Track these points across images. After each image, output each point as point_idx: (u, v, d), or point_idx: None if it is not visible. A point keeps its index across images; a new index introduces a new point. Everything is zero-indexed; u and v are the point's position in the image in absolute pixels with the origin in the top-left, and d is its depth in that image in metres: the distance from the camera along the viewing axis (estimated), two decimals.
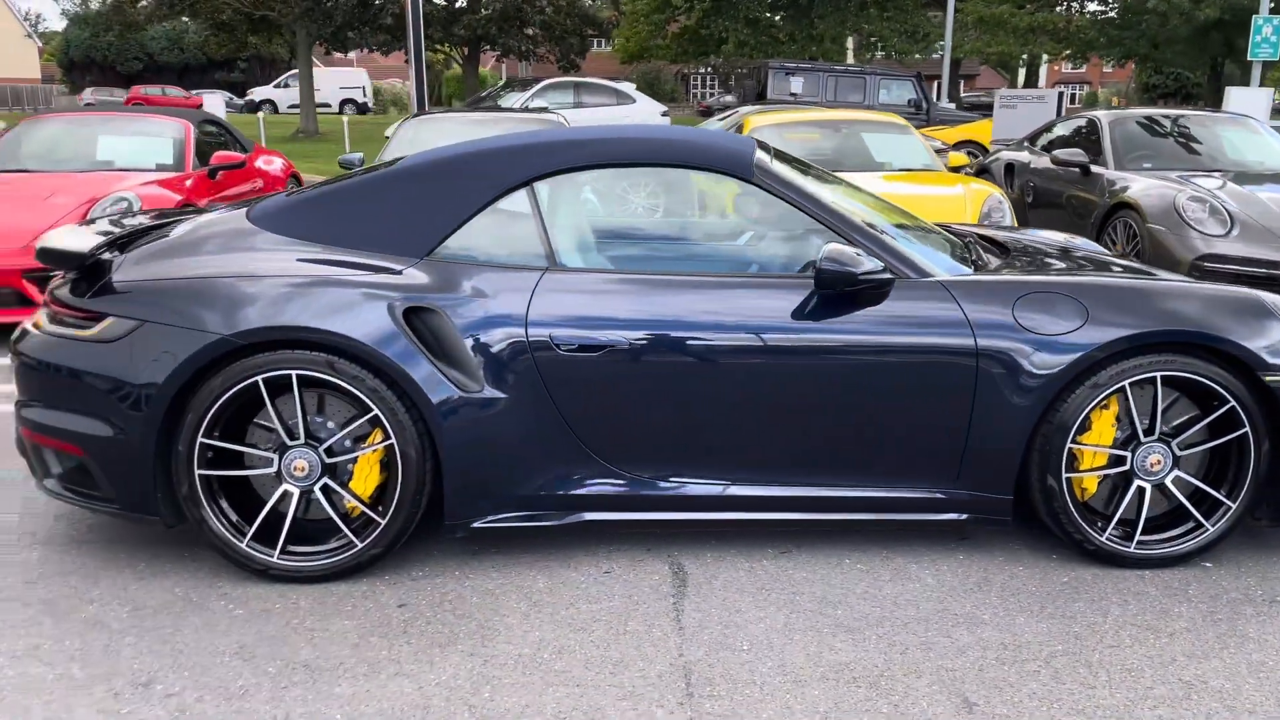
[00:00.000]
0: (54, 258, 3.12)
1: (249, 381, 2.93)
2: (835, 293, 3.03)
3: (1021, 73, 40.53)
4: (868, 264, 2.97)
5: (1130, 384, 3.03)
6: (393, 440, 2.97)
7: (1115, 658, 2.67)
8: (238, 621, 2.85)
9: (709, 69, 58.90)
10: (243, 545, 3.02)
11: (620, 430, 3.09)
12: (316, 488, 3.04)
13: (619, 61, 36.51)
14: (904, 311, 3.05)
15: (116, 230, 3.42)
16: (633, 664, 2.65)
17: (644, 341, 3.04)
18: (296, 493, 3.03)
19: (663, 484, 3.13)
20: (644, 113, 17.73)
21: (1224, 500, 3.12)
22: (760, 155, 3.27)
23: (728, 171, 3.21)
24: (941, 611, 2.91)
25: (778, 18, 31.74)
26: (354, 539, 3.04)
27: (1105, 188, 7.37)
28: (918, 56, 32.11)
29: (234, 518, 3.04)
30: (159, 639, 2.75)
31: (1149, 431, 3.10)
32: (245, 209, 3.44)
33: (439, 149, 3.44)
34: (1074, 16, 31.49)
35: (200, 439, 2.95)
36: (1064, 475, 3.07)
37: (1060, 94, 11.65)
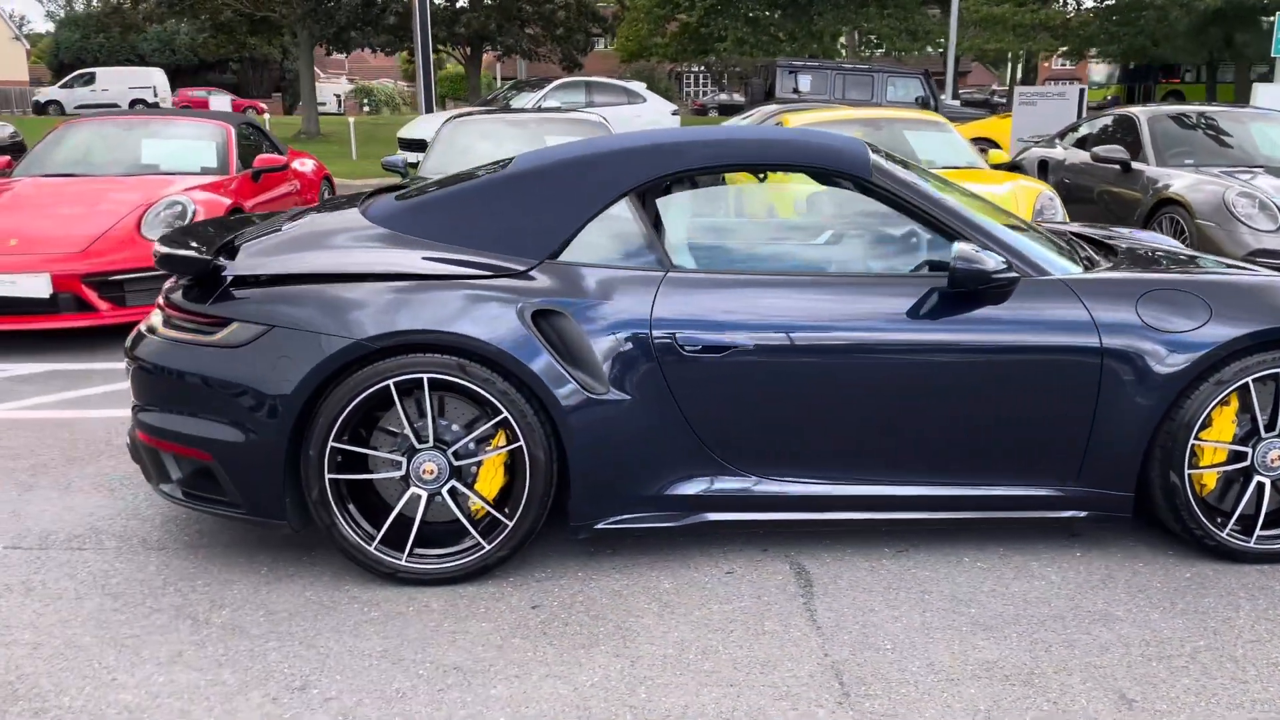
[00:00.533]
0: (175, 264, 3.12)
1: (380, 385, 2.93)
2: (960, 292, 3.04)
3: (1017, 69, 40.62)
4: (995, 263, 2.98)
5: (1254, 380, 3.06)
6: (521, 443, 2.98)
7: (1259, 652, 2.69)
8: (374, 624, 2.85)
9: (703, 68, 58.90)
10: (371, 549, 3.02)
11: (743, 430, 3.10)
12: (444, 490, 3.04)
13: (618, 60, 36.52)
14: (1028, 310, 3.07)
15: (226, 233, 3.41)
16: (780, 664, 2.66)
17: (767, 342, 3.04)
18: (424, 496, 3.04)
19: (785, 484, 3.14)
20: (655, 111, 17.74)
21: None
22: (875, 156, 3.28)
23: (847, 172, 3.22)
24: (1075, 609, 2.93)
25: (777, 15, 31.79)
26: (482, 541, 3.04)
27: (1148, 184, 7.41)
28: (916, 54, 32.21)
29: (362, 522, 3.04)
30: (301, 643, 2.75)
31: (1270, 427, 3.13)
32: (359, 207, 3.45)
33: (555, 149, 3.44)
34: (1073, 13, 31.59)
35: (331, 443, 2.96)
36: (1186, 471, 3.09)
37: (1082, 91, 11.70)
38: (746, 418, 3.09)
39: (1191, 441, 3.08)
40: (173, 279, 3.33)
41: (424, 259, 3.10)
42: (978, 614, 2.90)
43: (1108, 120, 8.65)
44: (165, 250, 3.10)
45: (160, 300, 3.31)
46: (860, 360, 3.07)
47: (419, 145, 15.76)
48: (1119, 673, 2.60)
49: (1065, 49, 33.94)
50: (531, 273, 3.10)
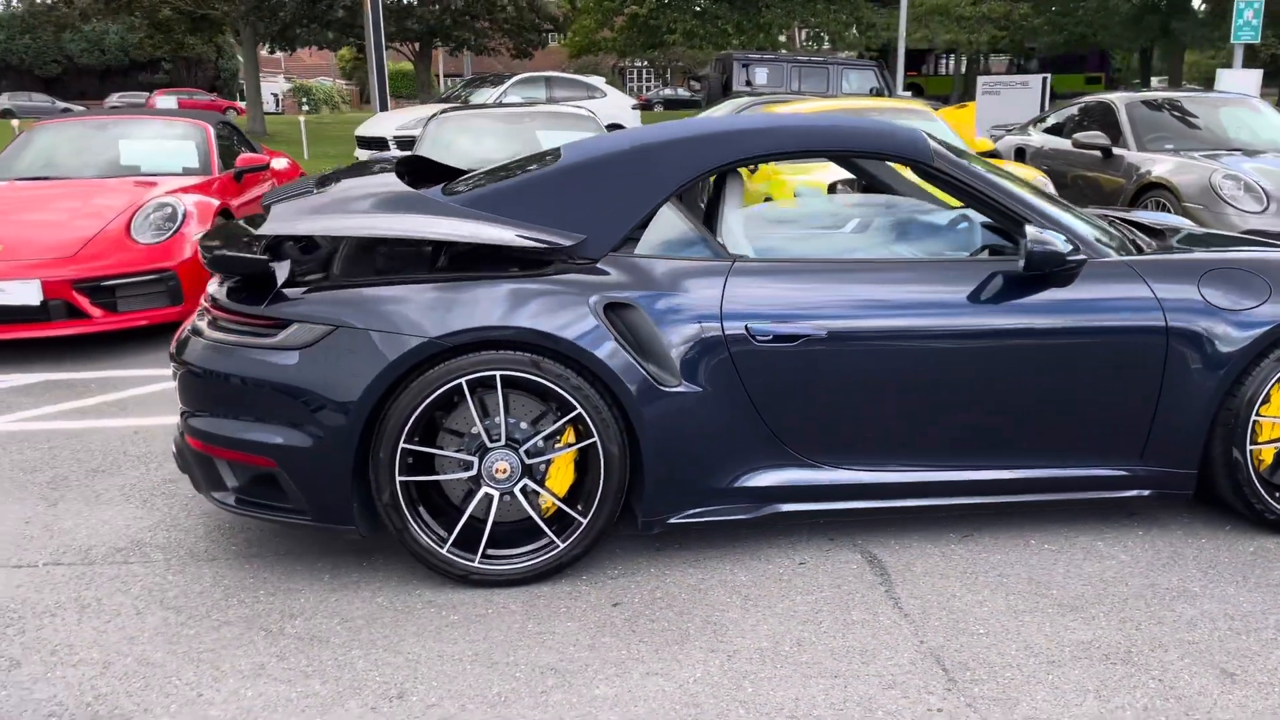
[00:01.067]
0: (231, 265, 3.01)
1: (452, 384, 2.86)
2: (1030, 275, 3.05)
3: (961, 62, 41.25)
4: (1064, 245, 3.00)
5: None
6: (595, 438, 2.93)
7: None
8: (457, 628, 2.78)
9: (646, 63, 58.71)
10: (444, 551, 2.95)
11: (813, 420, 3.08)
12: (516, 489, 2.98)
13: (567, 56, 36.33)
14: (1094, 291, 3.09)
15: (266, 234, 3.30)
16: (878, 653, 2.64)
17: (838, 330, 3.03)
18: (496, 495, 2.97)
19: (855, 472, 3.13)
20: (615, 106, 17.68)
21: None
22: (934, 143, 3.28)
23: (911, 158, 3.21)
24: (1152, 586, 2.95)
25: (725, 8, 31.87)
26: (555, 539, 2.98)
27: (1130, 169, 7.55)
28: (867, 49, 32.50)
29: (433, 524, 2.97)
30: (386, 649, 2.68)
31: None
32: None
33: (607, 139, 3.38)
34: (1016, 4, 32.11)
35: (402, 445, 2.88)
36: (1248, 447, 3.14)
37: (1045, 79, 11.88)
38: (817, 407, 3.07)
39: (1253, 418, 3.12)
40: (215, 279, 3.22)
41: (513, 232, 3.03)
42: (1060, 595, 2.91)
43: (1086, 107, 8.79)
44: (220, 252, 3.00)
45: (205, 302, 3.20)
46: (929, 345, 3.06)
47: (379, 144, 15.53)
48: (1213, 648, 2.63)
49: (1002, 38, 34.56)
50: (597, 265, 3.05)
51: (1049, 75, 13.17)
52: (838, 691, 2.48)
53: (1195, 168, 6.95)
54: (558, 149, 3.51)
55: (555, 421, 2.95)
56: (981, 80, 13.11)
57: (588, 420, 2.91)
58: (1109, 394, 3.12)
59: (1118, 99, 8.38)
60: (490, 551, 2.98)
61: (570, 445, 2.97)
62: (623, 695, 2.47)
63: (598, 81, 18.25)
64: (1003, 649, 2.65)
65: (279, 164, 8.83)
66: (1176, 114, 8.31)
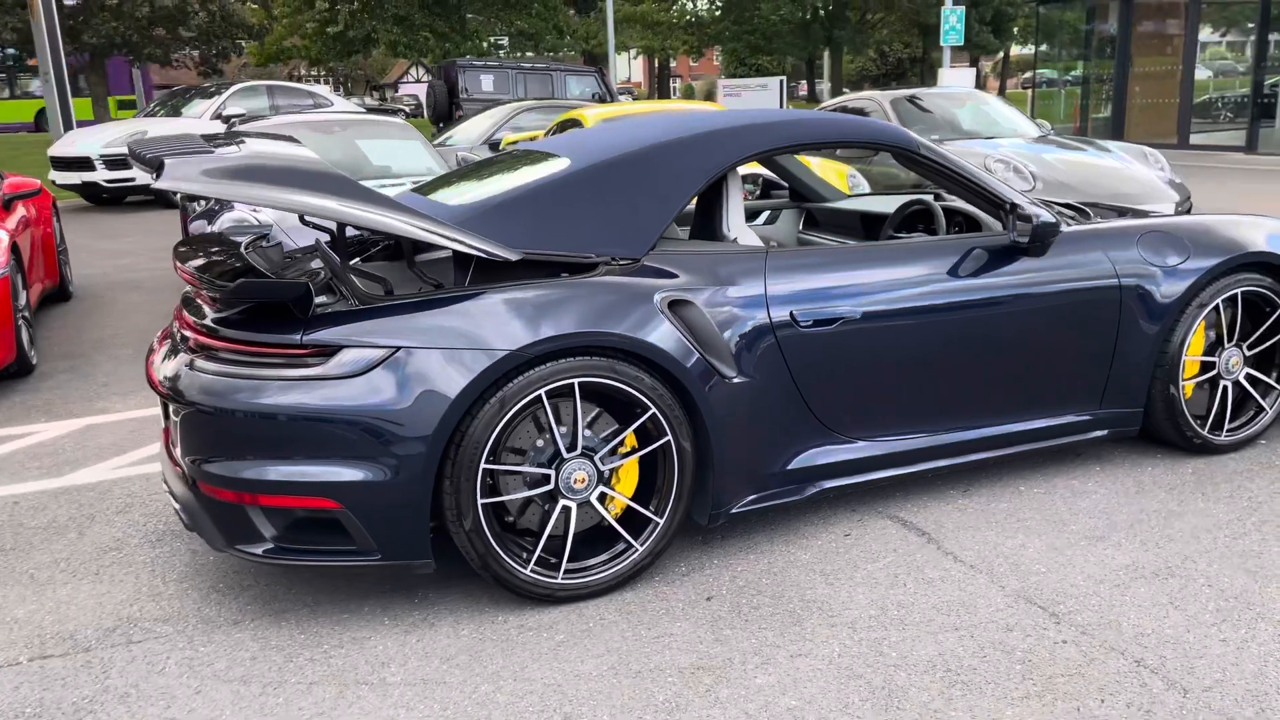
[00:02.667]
0: (264, 293, 2.70)
1: (532, 396, 2.75)
2: (1021, 246, 3.38)
3: (637, 64, 43.20)
4: (1053, 216, 3.36)
5: (1222, 300, 3.68)
6: (669, 436, 2.91)
7: None
8: (569, 646, 2.68)
9: (323, 72, 56.47)
10: (527, 572, 2.82)
11: (847, 397, 3.23)
12: (593, 497, 2.90)
13: (254, 64, 34.25)
14: (1066, 258, 3.47)
15: (280, 257, 3.00)
16: (975, 603, 2.84)
17: (870, 309, 3.20)
18: (575, 506, 2.88)
19: (882, 443, 3.32)
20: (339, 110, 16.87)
21: (1275, 385, 3.87)
22: (919, 137, 3.55)
23: (901, 147, 3.44)
24: (1143, 511, 3.38)
25: (422, 16, 31.41)
26: (633, 542, 2.94)
27: None
28: (571, 51, 33.27)
29: (515, 545, 2.83)
30: (514, 679, 2.53)
31: (1230, 337, 3.77)
32: None
33: (621, 137, 3.34)
34: (699, 13, 34.22)
35: (483, 465, 2.72)
36: (1180, 384, 3.66)
37: (781, 82, 12.81)
38: (852, 384, 3.23)
39: (1183, 358, 3.65)
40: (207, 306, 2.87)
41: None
42: (1080, 529, 3.26)
43: (852, 103, 9.59)
44: (246, 281, 2.67)
45: (191, 334, 2.86)
46: (945, 318, 3.31)
47: (82, 164, 13.96)
48: (1227, 553, 3.07)
49: (686, 45, 36.71)
50: (644, 263, 3.03)
51: (785, 77, 14.20)
52: (969, 641, 2.65)
53: (968, 154, 7.81)
54: (549, 152, 3.42)
55: (628, 424, 2.90)
56: (722, 83, 13.90)
57: (662, 419, 2.90)
58: (1080, 346, 3.53)
59: (880, 97, 9.24)
60: (568, 566, 2.89)
61: (647, 447, 2.93)
62: (784, 680, 2.50)
63: (324, 90, 17.41)
64: (1072, 581, 2.94)
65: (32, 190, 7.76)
66: (929, 109, 9.28)
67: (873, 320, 3.21)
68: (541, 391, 2.76)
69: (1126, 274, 3.54)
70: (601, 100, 20.47)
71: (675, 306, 2.96)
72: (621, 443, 2.94)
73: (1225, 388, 3.80)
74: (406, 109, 37.90)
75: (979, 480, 3.67)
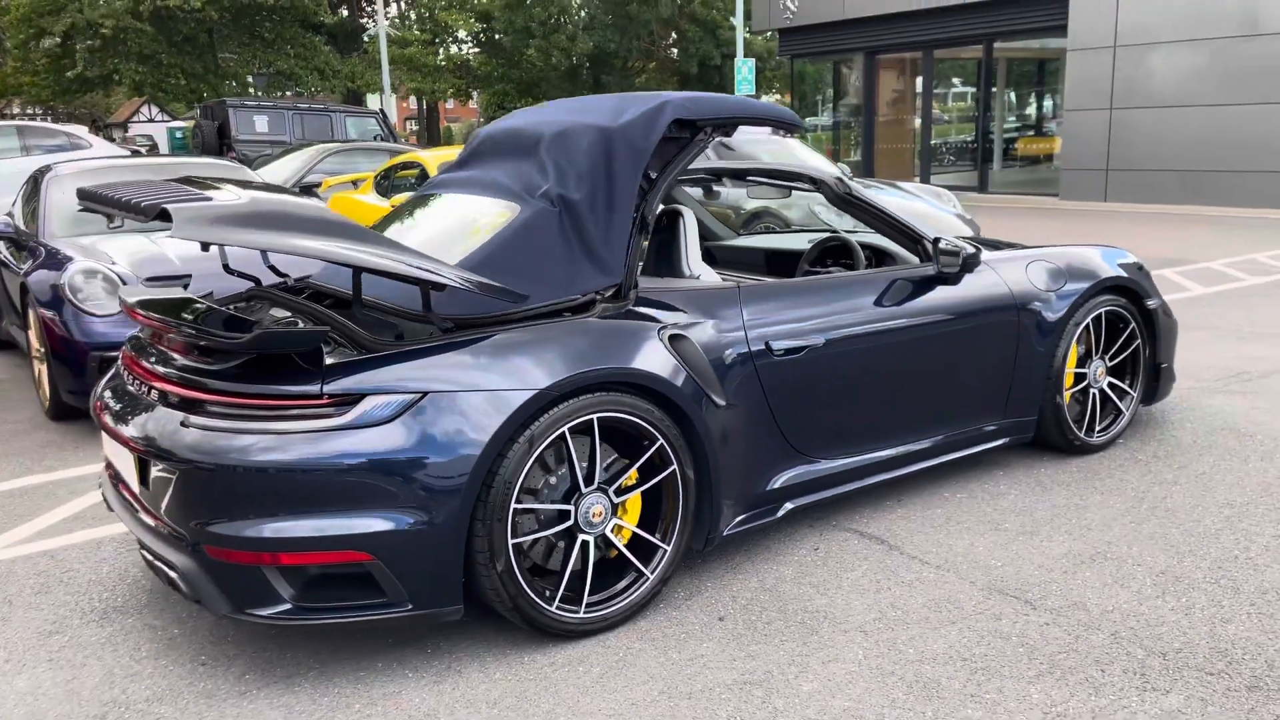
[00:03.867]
0: (283, 343, 2.60)
1: (557, 433, 2.79)
2: (947, 275, 3.76)
3: (423, 105, 42.73)
4: (971, 248, 3.76)
5: (1091, 319, 4.22)
6: (675, 465, 3.03)
7: (1193, 489, 3.81)
8: (612, 677, 2.72)
9: (42, 111, 52.18)
10: (553, 610, 2.85)
11: (811, 420, 3.46)
12: (608, 529, 2.97)
13: None
14: (977, 285, 3.89)
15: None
16: (956, 599, 3.12)
17: (831, 336, 3.46)
18: (592, 540, 2.94)
19: (835, 461, 3.58)
20: (106, 153, 15.67)
21: (1128, 390, 4.47)
22: (853, 181, 3.87)
23: (790, 124, 3.60)
24: (1055, 507, 3.80)
25: (170, 55, 29.66)
26: (644, 570, 3.02)
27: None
28: (327, 92, 32.36)
29: (540, 584, 2.85)
30: (572, 712, 2.55)
31: (1096, 351, 4.33)
32: None
33: (532, 162, 3.35)
34: (468, 57, 34.32)
35: (514, 505, 2.73)
36: (1064, 393, 4.16)
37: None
38: (815, 408, 3.47)
39: (1067, 370, 4.16)
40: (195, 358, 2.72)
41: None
42: (1014, 526, 3.64)
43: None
44: (264, 332, 2.56)
45: (182, 390, 2.71)
46: (892, 341, 3.62)
47: None
48: (1137, 536, 3.52)
49: (452, 90, 36.70)
50: (636, 297, 3.15)
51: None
52: (969, 633, 2.92)
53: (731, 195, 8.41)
54: (503, 202, 3.39)
55: (633, 455, 2.99)
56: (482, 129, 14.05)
57: (668, 449, 3.01)
58: (988, 363, 3.95)
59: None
60: (589, 600, 2.93)
61: (653, 477, 3.02)
62: (829, 685, 2.67)
63: (80, 131, 16.05)
64: (1028, 571, 3.28)
65: None
66: (731, 148, 9.83)
67: (834, 347, 3.47)
68: (565, 429, 2.81)
69: (1021, 298, 4.01)
70: (384, 140, 20.12)
71: (675, 341, 3.09)
72: (625, 474, 3.02)
73: (1094, 395, 4.35)
74: (142, 150, 35.45)
75: (907, 491, 4.00)
